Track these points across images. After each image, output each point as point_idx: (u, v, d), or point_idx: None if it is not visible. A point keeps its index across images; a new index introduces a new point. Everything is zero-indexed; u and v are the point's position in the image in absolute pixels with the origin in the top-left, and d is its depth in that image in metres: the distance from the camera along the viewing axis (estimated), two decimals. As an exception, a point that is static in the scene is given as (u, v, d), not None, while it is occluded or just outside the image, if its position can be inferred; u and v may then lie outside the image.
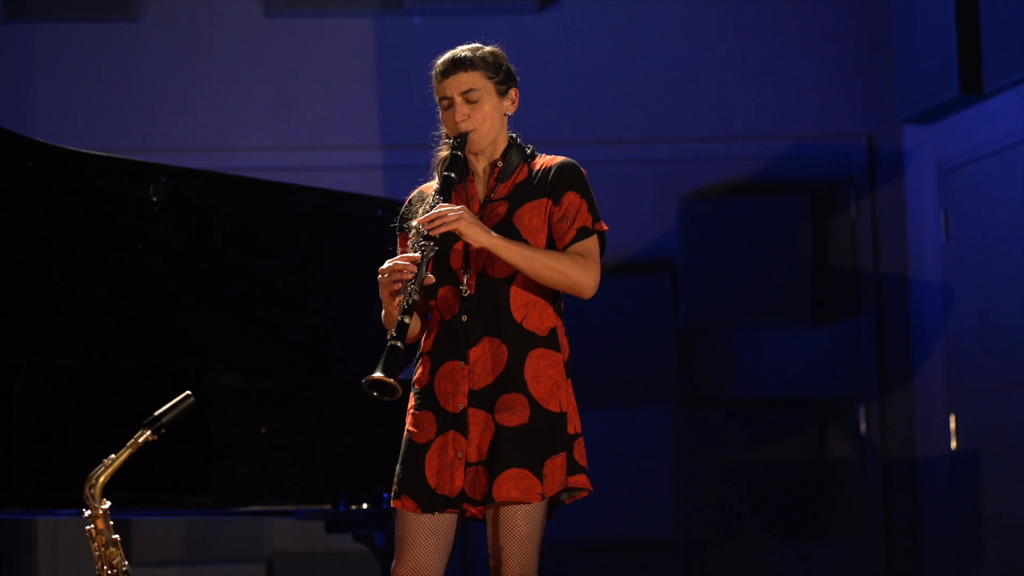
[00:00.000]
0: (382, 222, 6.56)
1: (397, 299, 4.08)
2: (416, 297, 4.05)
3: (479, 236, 4.09)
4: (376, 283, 4.15)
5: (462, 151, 4.20)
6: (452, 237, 4.13)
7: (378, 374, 3.97)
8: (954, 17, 8.04)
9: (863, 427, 8.88)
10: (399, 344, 4.01)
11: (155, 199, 6.22)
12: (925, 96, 8.31)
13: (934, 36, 8.18)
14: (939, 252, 8.64)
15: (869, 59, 8.96)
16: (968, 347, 8.39)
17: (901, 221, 8.94)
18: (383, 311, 4.18)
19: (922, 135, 8.76)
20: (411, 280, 4.06)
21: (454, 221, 4.07)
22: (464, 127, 4.20)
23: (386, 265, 4.10)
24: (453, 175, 4.18)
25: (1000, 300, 8.13)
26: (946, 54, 8.09)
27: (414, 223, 4.16)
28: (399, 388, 3.96)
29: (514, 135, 4.31)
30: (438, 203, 4.13)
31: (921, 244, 8.82)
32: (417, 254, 4.08)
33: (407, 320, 4.04)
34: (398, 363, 4.00)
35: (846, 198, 8.98)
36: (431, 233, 4.08)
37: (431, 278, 4.10)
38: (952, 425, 8.50)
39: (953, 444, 8.49)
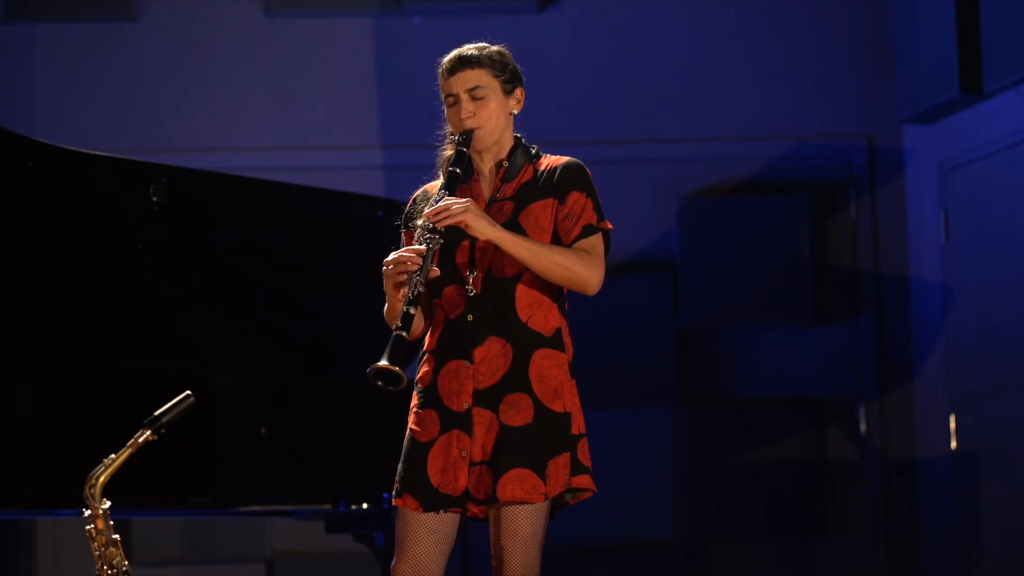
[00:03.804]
0: (382, 222, 6.57)
1: (401, 292, 4.08)
2: (422, 289, 4.05)
3: (485, 229, 4.09)
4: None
5: (467, 148, 4.20)
6: (457, 232, 4.12)
7: (383, 362, 3.96)
8: (954, 17, 8.04)
9: (863, 427, 8.87)
10: (404, 334, 4.02)
11: (155, 199, 6.22)
12: (925, 96, 8.31)
13: (934, 36, 8.18)
14: (939, 252, 8.64)
15: (869, 59, 8.96)
16: (968, 347, 8.39)
17: (901, 221, 8.94)
18: (385, 305, 4.18)
19: (922, 135, 8.75)
20: (416, 272, 4.05)
21: (460, 213, 4.07)
22: (469, 124, 4.20)
23: (391, 257, 4.10)
24: (458, 171, 4.18)
25: (1000, 300, 8.13)
26: (946, 54, 8.09)
27: (419, 221, 4.16)
28: (404, 377, 3.96)
29: (519, 135, 4.31)
30: (444, 197, 4.13)
31: (921, 244, 8.82)
32: (423, 246, 4.08)
33: (412, 311, 4.03)
34: (403, 353, 4.00)
35: (846, 198, 8.98)
36: (437, 226, 4.08)
37: (436, 271, 4.10)
38: (952, 425, 8.50)
39: (953, 444, 8.49)
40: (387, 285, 4.13)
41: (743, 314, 8.88)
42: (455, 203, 4.08)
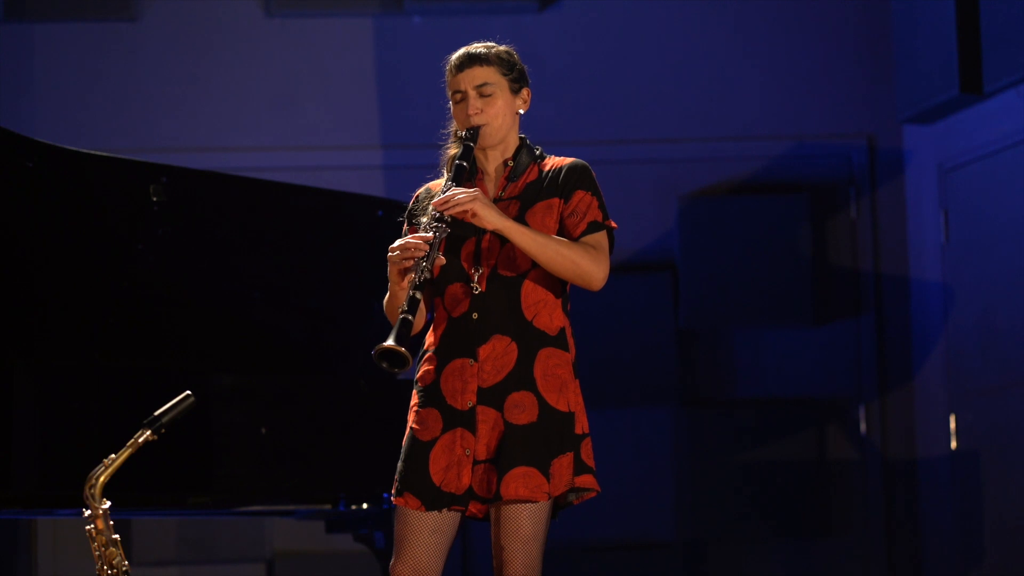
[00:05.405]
0: (382, 222, 6.58)
1: (407, 279, 4.07)
2: (428, 275, 4.04)
3: (493, 218, 4.08)
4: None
5: (474, 143, 4.20)
6: (464, 226, 4.12)
7: (389, 343, 3.95)
8: (954, 17, 8.05)
9: (863, 427, 8.87)
10: (410, 317, 4.00)
11: (155, 199, 6.22)
12: (925, 96, 8.31)
13: (934, 36, 8.18)
14: (939, 252, 8.64)
15: (869, 59, 8.96)
16: (968, 347, 8.39)
17: (901, 221, 8.94)
18: (386, 296, 4.18)
19: (922, 135, 8.76)
20: (423, 258, 4.05)
21: (468, 202, 4.07)
22: (476, 121, 4.20)
23: (398, 243, 4.10)
24: (465, 164, 4.18)
25: (1000, 300, 8.13)
26: (946, 54, 8.09)
27: (424, 219, 4.16)
28: (410, 358, 3.95)
29: (524, 136, 4.31)
30: (451, 188, 4.13)
31: (921, 244, 8.82)
32: (430, 234, 4.08)
33: (419, 296, 4.03)
34: (409, 335, 4.00)
35: (846, 198, 8.98)
36: (445, 214, 4.08)
37: (442, 259, 4.09)
38: (952, 425, 8.50)
39: (953, 444, 8.49)
40: (391, 271, 4.12)
41: (743, 314, 8.88)
42: (463, 192, 4.08)
